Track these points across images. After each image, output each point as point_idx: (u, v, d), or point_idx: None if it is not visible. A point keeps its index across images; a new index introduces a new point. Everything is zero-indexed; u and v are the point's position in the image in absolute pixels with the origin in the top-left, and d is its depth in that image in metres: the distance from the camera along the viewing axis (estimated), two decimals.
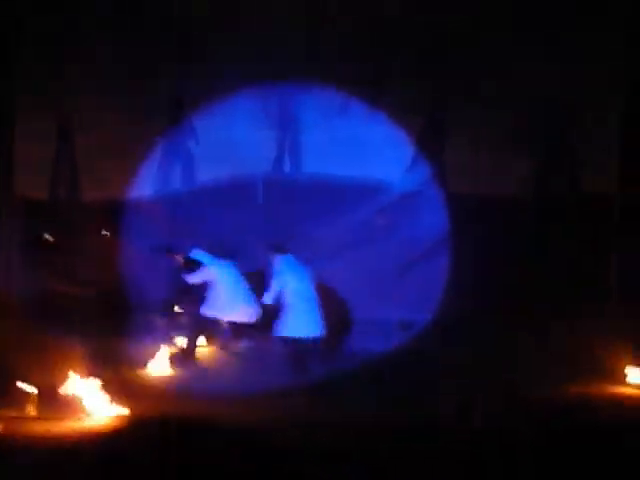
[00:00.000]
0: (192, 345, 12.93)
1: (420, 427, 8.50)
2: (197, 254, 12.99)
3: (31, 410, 9.65)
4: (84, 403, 9.78)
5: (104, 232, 15.38)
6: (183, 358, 12.76)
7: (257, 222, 15.77)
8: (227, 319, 12.97)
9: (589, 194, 15.50)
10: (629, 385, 11.49)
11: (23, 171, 15.70)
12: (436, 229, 15.45)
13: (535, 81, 15.63)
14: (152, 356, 12.56)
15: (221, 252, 13.04)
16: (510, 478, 6.95)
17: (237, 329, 13.16)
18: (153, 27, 16.21)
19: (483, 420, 8.76)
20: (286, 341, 11.74)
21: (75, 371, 10.38)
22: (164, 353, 12.67)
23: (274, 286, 11.85)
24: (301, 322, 11.54)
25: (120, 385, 10.42)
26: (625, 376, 11.63)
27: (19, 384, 9.72)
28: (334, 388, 10.74)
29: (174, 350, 13.00)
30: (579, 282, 13.93)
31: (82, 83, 16.00)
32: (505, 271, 14.61)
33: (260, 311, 12.54)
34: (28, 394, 9.69)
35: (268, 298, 11.96)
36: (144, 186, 16.08)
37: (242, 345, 13.29)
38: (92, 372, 10.54)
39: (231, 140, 15.93)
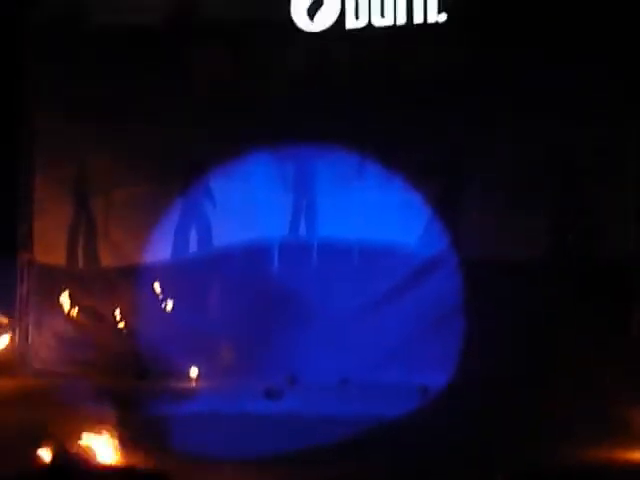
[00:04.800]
0: None
1: None
2: None
3: None
4: None
5: None
6: None
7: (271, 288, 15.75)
8: None
9: (606, 259, 15.39)
10: None
11: (41, 237, 15.78)
12: (453, 294, 15.43)
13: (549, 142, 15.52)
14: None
15: None
16: None
17: None
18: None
19: None
20: None
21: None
22: None
23: None
24: None
25: None
26: None
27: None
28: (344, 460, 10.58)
29: None
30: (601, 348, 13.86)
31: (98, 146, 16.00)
32: (524, 336, 14.60)
33: None
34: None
35: None
36: (161, 250, 16.06)
37: None
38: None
39: (247, 203, 15.92)
